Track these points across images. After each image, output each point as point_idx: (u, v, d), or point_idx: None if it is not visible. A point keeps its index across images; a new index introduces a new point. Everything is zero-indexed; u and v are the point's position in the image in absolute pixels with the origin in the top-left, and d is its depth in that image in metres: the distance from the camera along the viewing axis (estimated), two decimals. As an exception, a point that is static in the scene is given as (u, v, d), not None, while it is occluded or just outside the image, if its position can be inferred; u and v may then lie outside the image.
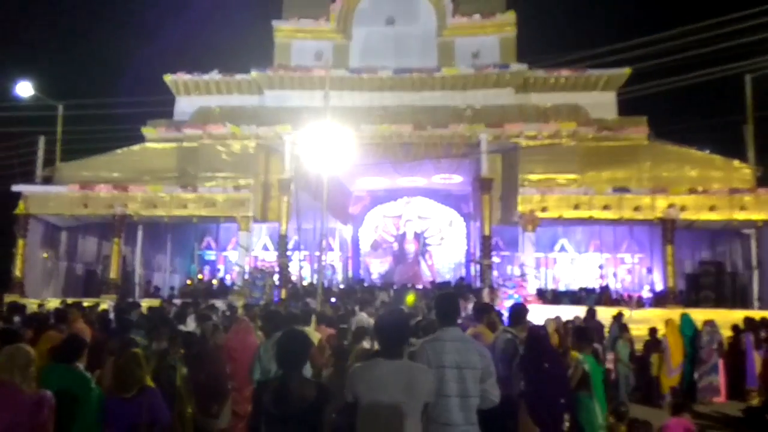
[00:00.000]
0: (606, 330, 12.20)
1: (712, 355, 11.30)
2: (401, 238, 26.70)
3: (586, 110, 18.40)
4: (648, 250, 20.27)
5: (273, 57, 20.62)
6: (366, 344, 6.67)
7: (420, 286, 21.21)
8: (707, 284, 18.13)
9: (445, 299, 4.66)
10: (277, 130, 18.33)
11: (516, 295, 16.51)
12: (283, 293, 17.55)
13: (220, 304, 14.28)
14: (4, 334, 5.95)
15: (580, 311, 13.04)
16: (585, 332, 7.21)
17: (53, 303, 13.22)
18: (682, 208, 16.97)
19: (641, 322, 14.00)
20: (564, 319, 11.62)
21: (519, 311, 6.44)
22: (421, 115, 18.40)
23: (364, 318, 10.09)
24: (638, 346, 12.65)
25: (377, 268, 26.77)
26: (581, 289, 19.63)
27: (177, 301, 13.92)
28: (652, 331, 12.26)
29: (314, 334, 7.81)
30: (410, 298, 14.06)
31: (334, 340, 7.49)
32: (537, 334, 5.89)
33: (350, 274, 26.09)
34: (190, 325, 10.01)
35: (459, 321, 4.86)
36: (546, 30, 24.85)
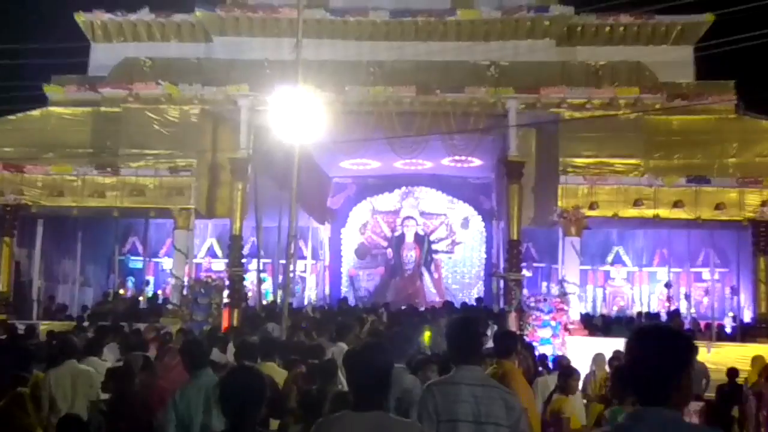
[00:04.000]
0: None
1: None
2: (398, 243, 26.65)
3: (653, 71, 18.36)
4: (733, 264, 20.27)
5: (225, -9, 20.50)
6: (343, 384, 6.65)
7: (422, 308, 21.12)
8: (813, 310, 18.09)
9: (462, 327, 4.68)
10: (230, 91, 18.22)
11: (553, 322, 16.50)
12: (236, 315, 17.47)
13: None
14: None
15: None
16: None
17: None
18: (781, 207, 17.00)
19: (722, 362, 13.99)
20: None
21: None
22: (428, 74, 18.33)
23: (344, 350, 10.07)
24: (711, 394, 12.62)
25: (365, 282, 26.69)
26: (641, 315, 19.61)
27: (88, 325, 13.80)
28: (731, 373, 12.21)
29: (279, 372, 7.77)
30: (427, 335, 14.03)
31: (303, 381, 7.42)
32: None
33: (327, 290, 25.99)
34: (108, 357, 10.00)
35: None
36: (599, -39, 24.77)
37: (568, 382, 8.23)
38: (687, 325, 18.95)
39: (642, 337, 2.94)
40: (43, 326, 15.47)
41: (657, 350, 2.84)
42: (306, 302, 23.40)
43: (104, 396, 7.71)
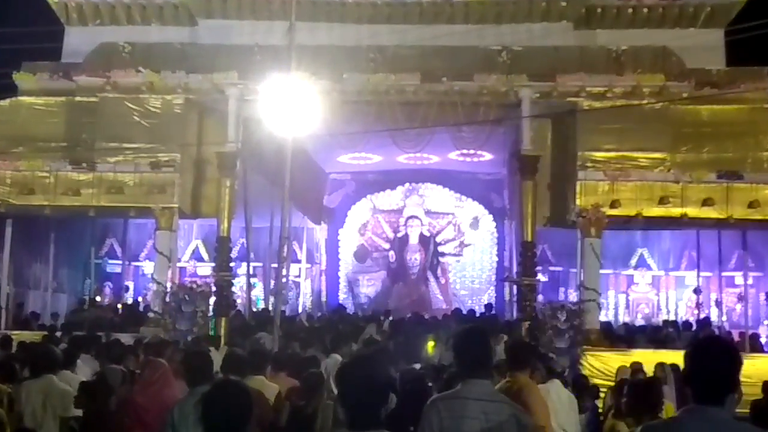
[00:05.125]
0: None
1: None
2: (401, 244, 26.66)
3: (680, 56, 18.34)
4: (769, 267, 20.29)
5: (212, -31, 20.51)
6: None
7: (428, 316, 21.12)
8: None
9: (470, 337, 4.72)
10: (217, 79, 18.21)
11: (570, 331, 16.48)
12: (223, 324, 17.48)
13: (127, 338, 14.21)
14: None
15: (665, 357, 12.92)
16: (650, 390, 7.16)
17: None
18: (821, 205, 16.99)
19: (757, 375, 13.94)
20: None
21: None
22: (434, 60, 18.33)
23: (339, 362, 10.12)
24: (744, 409, 12.61)
25: (365, 287, 26.68)
26: (667, 324, 19.59)
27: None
28: (767, 388, 12.18)
29: (269, 386, 7.78)
30: (431, 346, 14.10)
31: (297, 396, 7.43)
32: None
33: (324, 297, 25.98)
34: (83, 370, 9.99)
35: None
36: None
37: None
38: (718, 334, 18.97)
39: (705, 346, 3.90)
40: (14, 335, 15.47)
41: (718, 357, 3.69)
42: (300, 310, 23.42)
43: (78, 412, 7.70)
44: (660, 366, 11.45)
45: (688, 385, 3.74)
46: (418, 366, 10.25)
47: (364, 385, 3.73)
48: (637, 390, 7.30)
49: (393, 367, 8.47)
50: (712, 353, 3.73)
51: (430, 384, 7.25)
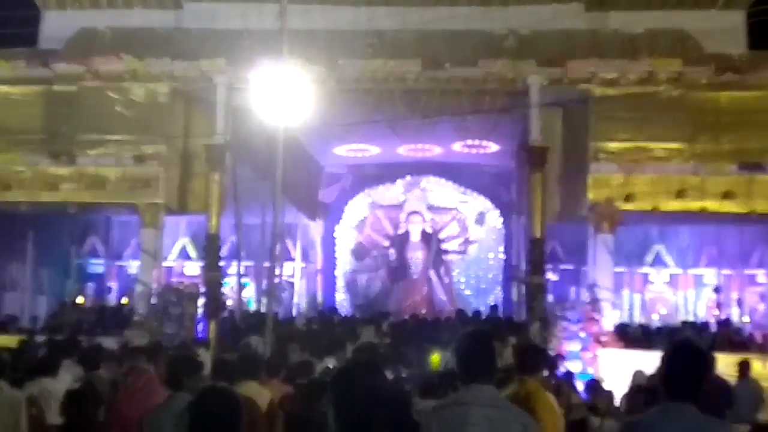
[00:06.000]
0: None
1: None
2: (402, 242, 26.67)
3: (698, 40, 18.33)
4: (794, 264, 20.31)
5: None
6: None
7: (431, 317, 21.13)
8: None
9: (473, 341, 4.72)
10: (204, 66, 18.25)
11: (583, 334, 16.51)
12: (212, 327, 17.50)
13: (111, 343, 14.23)
14: None
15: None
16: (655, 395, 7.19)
17: None
18: None
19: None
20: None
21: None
22: (436, 45, 18.35)
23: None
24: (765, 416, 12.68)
25: (363, 287, 26.70)
26: (686, 325, 19.60)
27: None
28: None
29: (261, 393, 7.79)
30: (435, 359, 14.11)
31: (291, 404, 7.43)
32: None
33: (320, 297, 25.99)
34: (63, 377, 9.98)
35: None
36: None
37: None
38: (739, 336, 18.96)
39: (677, 349, 4.39)
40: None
41: (688, 358, 4.28)
42: (295, 312, 23.41)
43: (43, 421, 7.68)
44: None
45: (663, 385, 4.24)
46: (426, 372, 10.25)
47: (359, 395, 3.72)
48: (654, 398, 7.29)
49: (393, 374, 8.49)
50: (683, 355, 4.30)
51: (408, 388, 7.27)
